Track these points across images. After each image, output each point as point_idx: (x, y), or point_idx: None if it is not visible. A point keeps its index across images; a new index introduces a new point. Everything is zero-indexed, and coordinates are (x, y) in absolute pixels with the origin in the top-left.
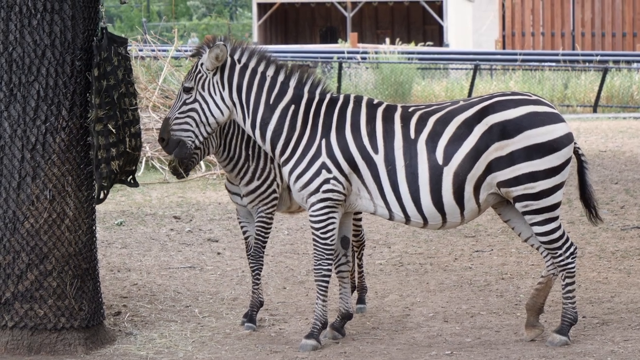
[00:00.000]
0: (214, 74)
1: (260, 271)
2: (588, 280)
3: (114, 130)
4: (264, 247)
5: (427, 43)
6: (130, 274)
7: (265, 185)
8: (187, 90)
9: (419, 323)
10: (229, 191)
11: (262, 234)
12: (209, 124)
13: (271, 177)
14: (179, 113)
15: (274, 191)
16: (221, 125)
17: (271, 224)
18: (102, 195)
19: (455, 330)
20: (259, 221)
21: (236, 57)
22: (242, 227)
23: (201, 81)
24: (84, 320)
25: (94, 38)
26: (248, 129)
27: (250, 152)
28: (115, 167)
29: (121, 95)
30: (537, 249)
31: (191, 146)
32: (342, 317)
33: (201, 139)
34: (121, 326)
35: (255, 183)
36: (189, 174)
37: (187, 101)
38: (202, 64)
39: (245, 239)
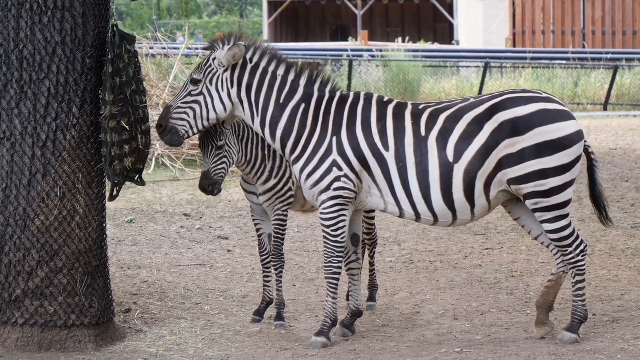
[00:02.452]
0: (225, 71)
1: (283, 268)
2: (598, 278)
3: (127, 127)
4: (283, 244)
5: (431, 43)
6: (141, 272)
7: (282, 183)
8: (194, 82)
9: (429, 321)
10: (244, 190)
11: (281, 232)
12: (207, 119)
13: (287, 175)
14: (181, 102)
15: (290, 189)
16: (220, 121)
17: (287, 220)
18: (115, 193)
19: (465, 328)
20: (276, 219)
21: (248, 56)
22: (256, 225)
23: (210, 75)
24: (94, 318)
25: (108, 35)
26: (257, 127)
27: (266, 152)
28: (128, 164)
29: (133, 92)
30: (547, 246)
31: (183, 135)
32: (353, 314)
33: (195, 131)
34: (131, 323)
35: (273, 181)
36: (219, 190)
37: (193, 93)
38: (214, 59)
39: (259, 236)
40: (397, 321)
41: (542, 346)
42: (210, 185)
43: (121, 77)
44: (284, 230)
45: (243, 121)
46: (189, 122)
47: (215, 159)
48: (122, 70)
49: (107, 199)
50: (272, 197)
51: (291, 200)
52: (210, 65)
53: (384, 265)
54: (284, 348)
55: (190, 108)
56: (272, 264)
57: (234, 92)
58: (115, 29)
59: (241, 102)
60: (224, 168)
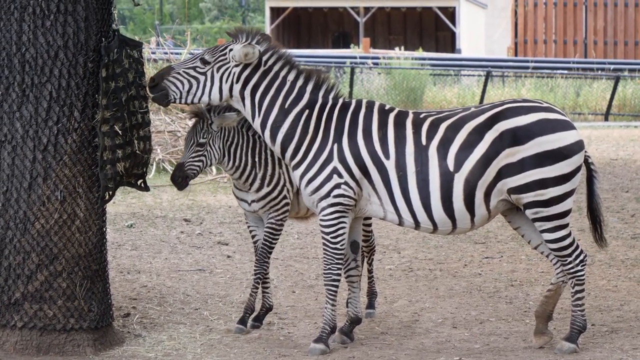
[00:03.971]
0: (236, 65)
1: (262, 275)
2: (597, 288)
3: (120, 132)
4: (271, 252)
5: (422, 51)
6: (140, 276)
7: (276, 191)
8: (204, 61)
9: (427, 329)
10: (236, 197)
11: (270, 239)
12: (199, 99)
13: (281, 183)
14: (183, 70)
15: (285, 196)
16: (212, 105)
17: (280, 230)
18: (107, 197)
19: (464, 337)
20: (268, 226)
21: (264, 58)
22: (250, 232)
23: (220, 63)
24: (93, 322)
25: (103, 39)
26: (256, 126)
27: (257, 160)
28: (121, 169)
29: (130, 97)
30: (547, 256)
31: (171, 100)
32: (352, 321)
33: (182, 101)
34: (130, 328)
35: (266, 189)
36: (186, 184)
37: (198, 69)
38: (230, 50)
39: (254, 243)
40: (396, 329)
41: (541, 355)
42: (180, 177)
43: (117, 82)
44: (275, 238)
45: (234, 127)
46: (181, 92)
47: (194, 154)
48: (118, 75)
49: (99, 202)
50: (266, 205)
51: (287, 208)
52: (225, 55)
53: (383, 272)
54: (282, 354)
55: (189, 81)
56: (254, 268)
57: (237, 87)
58: (115, 33)
59: (243, 99)
60: (199, 166)
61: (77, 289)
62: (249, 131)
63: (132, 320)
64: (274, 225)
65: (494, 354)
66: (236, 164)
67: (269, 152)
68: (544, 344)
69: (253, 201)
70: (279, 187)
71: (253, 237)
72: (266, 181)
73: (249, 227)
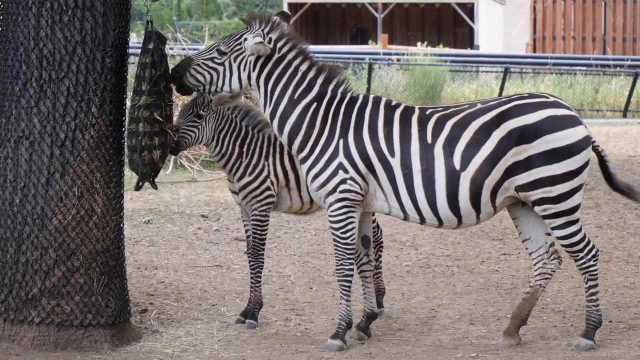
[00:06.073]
0: (251, 54)
1: (261, 270)
2: (615, 285)
3: (160, 119)
4: (262, 245)
5: (443, 47)
6: (157, 272)
7: (257, 182)
8: (220, 52)
9: (445, 325)
10: (230, 190)
11: (259, 232)
12: (221, 88)
13: (264, 174)
14: (202, 61)
15: (268, 188)
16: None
17: (266, 222)
18: (140, 183)
19: (481, 333)
20: (253, 219)
21: (278, 45)
22: (245, 226)
23: (236, 53)
24: (110, 317)
25: (148, 25)
26: (266, 116)
27: (244, 150)
28: (156, 157)
29: (164, 87)
30: (530, 254)
31: (192, 89)
32: (367, 317)
33: (205, 91)
34: (147, 324)
35: (247, 179)
36: (177, 152)
37: (216, 60)
38: (245, 39)
39: (248, 237)
40: (413, 325)
41: (558, 352)
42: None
43: (157, 70)
44: (263, 230)
45: (227, 114)
46: (203, 83)
47: (190, 123)
48: (157, 64)
49: (133, 188)
50: (247, 195)
51: (269, 200)
52: (240, 44)
53: (400, 269)
54: (299, 350)
55: (209, 72)
56: (250, 263)
57: (254, 75)
58: (150, 25)
59: (258, 87)
60: (190, 136)
61: (94, 285)
62: (243, 120)
63: (149, 316)
64: (258, 217)
65: (510, 351)
66: (222, 150)
67: (258, 143)
68: (509, 345)
69: (238, 191)
70: (260, 178)
71: (247, 231)
72: (248, 171)
73: (243, 221)
